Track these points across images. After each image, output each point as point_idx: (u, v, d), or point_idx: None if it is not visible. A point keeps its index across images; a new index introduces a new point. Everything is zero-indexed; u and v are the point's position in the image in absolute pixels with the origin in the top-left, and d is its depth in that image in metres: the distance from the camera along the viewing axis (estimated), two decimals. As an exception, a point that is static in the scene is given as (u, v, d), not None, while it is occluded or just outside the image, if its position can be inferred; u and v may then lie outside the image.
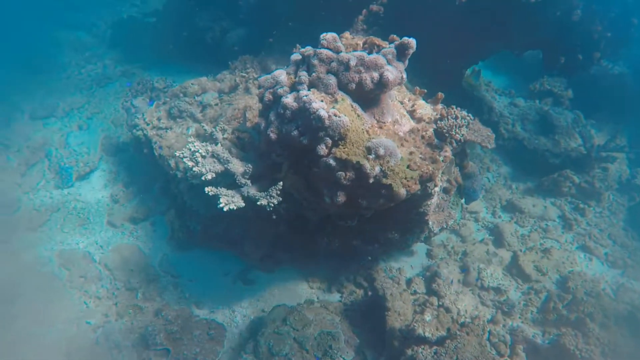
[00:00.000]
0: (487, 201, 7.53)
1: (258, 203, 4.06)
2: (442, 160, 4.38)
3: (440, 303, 5.61)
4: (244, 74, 6.87)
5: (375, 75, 3.82)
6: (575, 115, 8.44)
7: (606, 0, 8.46)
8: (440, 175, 4.59)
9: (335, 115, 3.63)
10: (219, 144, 4.59)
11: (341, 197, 3.86)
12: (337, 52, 3.98)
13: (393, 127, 4.21)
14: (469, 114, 4.75)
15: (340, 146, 3.70)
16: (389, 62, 3.91)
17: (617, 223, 7.34)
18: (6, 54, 9.97)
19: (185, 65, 9.39)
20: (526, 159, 8.09)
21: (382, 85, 3.84)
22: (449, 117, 4.57)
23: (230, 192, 4.17)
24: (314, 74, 3.93)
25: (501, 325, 5.61)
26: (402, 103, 4.90)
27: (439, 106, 5.02)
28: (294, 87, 4.03)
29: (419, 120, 4.69)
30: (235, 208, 4.03)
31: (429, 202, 4.79)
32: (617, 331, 5.52)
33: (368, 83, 3.83)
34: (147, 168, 7.09)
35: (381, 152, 3.74)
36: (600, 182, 7.65)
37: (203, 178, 4.28)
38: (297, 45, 4.78)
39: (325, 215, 4.79)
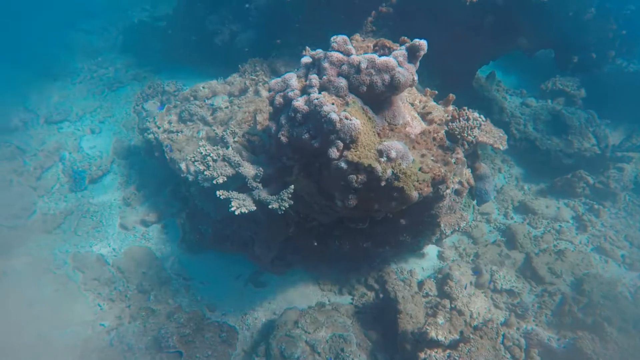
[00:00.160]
0: (499, 202, 7.45)
1: (269, 206, 4.07)
2: (454, 163, 4.34)
3: (453, 306, 5.56)
4: (253, 77, 6.90)
5: (387, 77, 3.80)
6: (589, 114, 8.30)
7: (621, -2, 8.31)
8: (452, 177, 4.55)
9: (346, 118, 3.62)
10: (230, 148, 4.61)
11: (353, 200, 3.84)
12: (348, 54, 3.96)
13: (404, 130, 4.19)
14: (481, 115, 4.70)
15: (352, 149, 3.68)
16: (400, 65, 3.88)
17: (633, 224, 7.19)
18: (24, 60, 10.20)
19: (195, 68, 9.47)
20: (538, 159, 7.98)
21: (393, 87, 3.82)
22: (461, 118, 4.53)
23: (241, 195, 4.18)
24: (324, 76, 3.92)
25: (515, 328, 5.53)
26: (412, 105, 4.87)
27: (450, 107, 4.98)
28: (304, 90, 4.03)
29: (430, 122, 4.65)
30: (246, 212, 4.04)
31: (440, 204, 4.75)
32: (636, 335, 5.40)
33: (379, 85, 3.81)
34: (158, 171, 7.17)
35: (393, 154, 3.72)
36: (616, 182, 7.51)
37: (214, 181, 4.30)
38: (307, 47, 4.77)
39: (336, 218, 4.77)
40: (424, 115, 4.71)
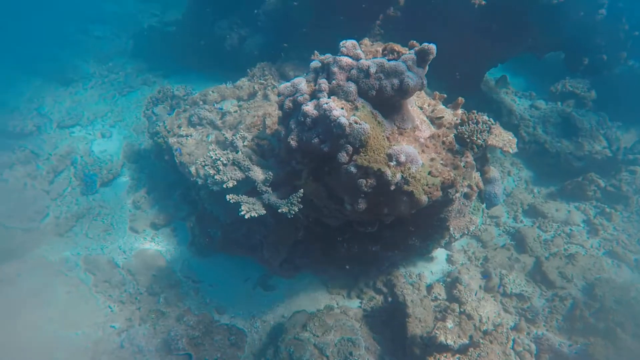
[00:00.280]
0: (508, 206, 7.39)
1: (279, 210, 4.09)
2: (464, 166, 4.33)
3: (462, 310, 5.52)
4: (262, 81, 6.95)
5: (396, 82, 3.81)
6: (600, 117, 8.22)
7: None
8: (461, 181, 4.54)
9: (355, 122, 3.64)
10: (240, 152, 4.65)
11: (362, 204, 3.85)
12: (357, 59, 3.99)
13: (413, 133, 4.19)
14: (490, 118, 4.69)
15: (362, 153, 3.70)
16: (409, 69, 3.89)
17: (646, 228, 7.09)
18: (38, 66, 10.41)
19: (204, 73, 9.57)
20: (548, 162, 7.92)
21: (402, 91, 3.83)
22: (470, 122, 4.52)
23: (251, 199, 4.22)
24: (333, 81, 3.95)
25: (525, 333, 5.48)
26: (421, 108, 4.87)
27: (460, 111, 4.97)
28: (314, 95, 4.05)
29: (439, 125, 4.65)
30: (256, 216, 4.08)
31: (450, 208, 4.73)
32: (650, 341, 5.32)
33: (388, 90, 3.82)
34: (167, 174, 7.25)
35: (402, 158, 3.72)
36: (628, 185, 7.41)
37: (225, 186, 4.34)
38: (316, 52, 4.81)
39: (345, 222, 4.78)
40: (433, 119, 4.71)
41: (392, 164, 3.72)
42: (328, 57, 4.13)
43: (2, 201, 7.08)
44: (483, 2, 6.51)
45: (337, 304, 5.71)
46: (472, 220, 5.44)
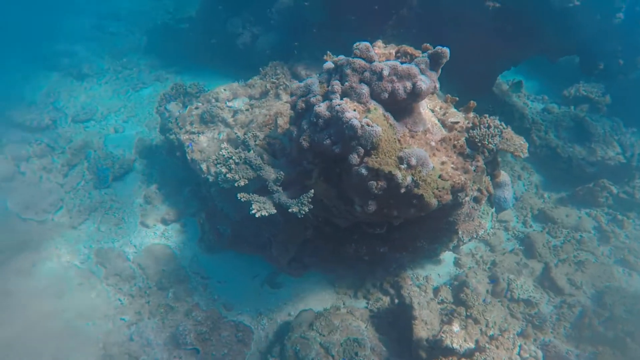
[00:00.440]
0: (518, 210, 7.34)
1: (289, 210, 4.13)
2: (474, 170, 4.33)
3: (469, 313, 5.51)
4: (274, 80, 6.98)
5: (408, 84, 3.82)
6: (614, 122, 8.10)
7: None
8: (471, 185, 4.53)
9: (367, 124, 3.66)
10: (252, 151, 4.69)
11: (372, 206, 3.87)
12: (370, 61, 4.00)
13: (425, 136, 4.19)
14: (502, 123, 4.66)
15: (373, 155, 3.72)
16: (422, 72, 3.90)
17: (659, 237, 6.99)
18: (55, 61, 10.59)
19: (216, 70, 9.65)
20: (559, 167, 7.83)
21: (414, 95, 3.83)
22: (482, 126, 4.51)
23: (262, 198, 4.26)
24: (346, 83, 3.97)
25: (532, 339, 5.45)
26: (433, 111, 4.86)
27: (471, 114, 4.95)
28: (326, 96, 4.08)
29: (450, 128, 4.65)
30: (267, 215, 4.12)
31: (459, 212, 4.73)
32: (660, 352, 5.26)
33: (401, 93, 3.83)
34: (178, 171, 7.34)
35: (413, 161, 3.73)
36: (641, 192, 7.31)
37: (236, 184, 4.39)
38: (328, 52, 4.82)
39: (354, 222, 4.81)
40: (445, 122, 4.70)
41: (403, 166, 3.74)
42: (341, 58, 4.15)
43: (19, 193, 7.25)
44: (497, 5, 6.46)
45: (344, 304, 5.74)
46: (481, 224, 5.42)
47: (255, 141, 5.09)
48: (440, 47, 3.94)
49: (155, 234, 6.87)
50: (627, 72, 8.18)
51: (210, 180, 5.83)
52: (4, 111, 8.95)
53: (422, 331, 5.04)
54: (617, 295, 5.83)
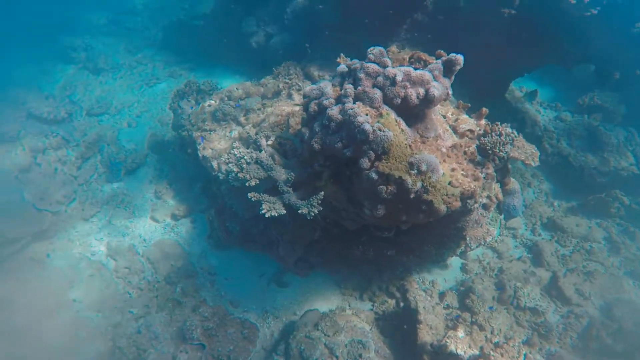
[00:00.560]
0: (527, 218, 7.30)
1: (299, 211, 4.18)
2: (484, 177, 4.33)
3: (474, 320, 5.52)
4: (287, 80, 7.03)
5: (421, 91, 3.84)
6: (629, 132, 8.01)
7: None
8: (481, 192, 4.53)
9: (379, 129, 3.68)
10: (263, 151, 4.75)
11: (381, 210, 3.90)
12: (384, 66, 4.02)
13: (436, 142, 4.21)
14: (514, 130, 4.65)
15: (384, 160, 3.74)
16: (435, 78, 3.91)
17: (671, 250, 6.90)
18: (71, 55, 10.77)
19: (230, 67, 9.73)
20: (571, 176, 7.77)
21: (427, 101, 3.85)
22: (493, 133, 4.50)
23: (272, 198, 4.31)
24: (359, 87, 4.00)
25: (537, 348, 5.43)
26: (444, 117, 4.87)
27: (483, 121, 4.95)
28: (339, 99, 4.11)
29: (461, 135, 4.65)
30: (276, 215, 4.17)
31: (467, 218, 4.73)
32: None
33: (413, 99, 3.85)
34: (189, 167, 7.43)
35: (423, 167, 3.75)
36: (654, 205, 7.22)
37: (247, 184, 4.44)
38: (342, 55, 4.85)
39: (362, 225, 4.84)
40: (456, 128, 4.71)
41: (413, 172, 3.76)
42: (355, 62, 4.18)
43: (36, 184, 7.42)
44: (513, 12, 6.42)
45: (349, 305, 5.78)
46: (489, 231, 5.41)
47: (267, 141, 5.14)
48: (454, 55, 3.95)
49: (165, 229, 6.97)
50: (643, 82, 8.06)
51: (221, 177, 5.90)
52: (24, 103, 9.15)
53: (426, 335, 5.05)
54: (627, 308, 5.78)
